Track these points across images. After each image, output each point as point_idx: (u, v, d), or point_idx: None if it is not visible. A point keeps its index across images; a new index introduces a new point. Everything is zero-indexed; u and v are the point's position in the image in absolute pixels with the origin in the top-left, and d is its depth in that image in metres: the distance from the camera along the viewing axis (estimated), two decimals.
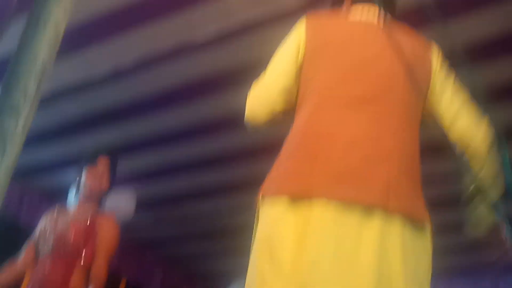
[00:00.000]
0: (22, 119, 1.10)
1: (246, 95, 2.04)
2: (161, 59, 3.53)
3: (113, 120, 4.31)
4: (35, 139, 4.39)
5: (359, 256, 1.70)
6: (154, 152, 4.65)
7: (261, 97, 2.04)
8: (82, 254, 3.21)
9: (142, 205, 5.29)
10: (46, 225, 3.33)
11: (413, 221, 1.79)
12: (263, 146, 3.70)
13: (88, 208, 3.34)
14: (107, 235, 3.32)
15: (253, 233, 1.89)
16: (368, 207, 1.74)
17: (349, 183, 1.76)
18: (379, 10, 2.12)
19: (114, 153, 3.59)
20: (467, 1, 2.99)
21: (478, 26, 3.09)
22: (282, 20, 3.05)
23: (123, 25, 3.33)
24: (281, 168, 1.88)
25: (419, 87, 2.01)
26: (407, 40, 2.07)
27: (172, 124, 4.23)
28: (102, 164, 3.43)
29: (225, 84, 3.68)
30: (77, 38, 3.29)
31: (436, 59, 2.10)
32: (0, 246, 4.23)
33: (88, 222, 3.28)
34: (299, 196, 1.76)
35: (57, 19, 1.15)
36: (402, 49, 2.00)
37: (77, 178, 3.44)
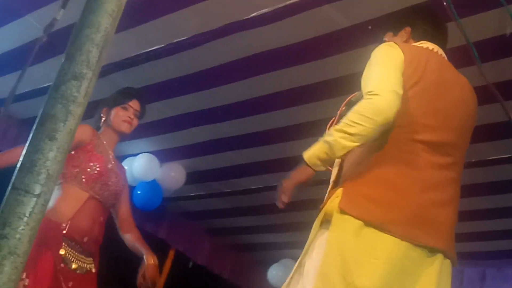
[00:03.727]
0: (85, 86, 1.14)
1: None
2: (216, 35, 3.55)
3: (167, 95, 4.36)
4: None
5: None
6: (205, 126, 4.70)
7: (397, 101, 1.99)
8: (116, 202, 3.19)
9: (192, 178, 5.38)
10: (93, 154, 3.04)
11: (453, 263, 2.08)
12: (311, 125, 3.72)
13: (112, 151, 3.18)
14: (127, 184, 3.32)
15: (314, 232, 2.05)
16: (433, 249, 1.98)
17: (419, 226, 1.95)
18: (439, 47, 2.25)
19: (145, 97, 3.39)
20: None
21: None
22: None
23: (180, 1, 3.37)
24: (363, 192, 2.00)
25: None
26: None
27: (224, 99, 4.26)
28: (133, 107, 3.26)
29: (276, 62, 3.69)
30: (134, 13, 3.34)
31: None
32: None
33: (122, 173, 3.24)
34: (375, 226, 1.93)
35: None
36: (474, 93, 2.22)
37: (102, 114, 3.24)
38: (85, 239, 2.94)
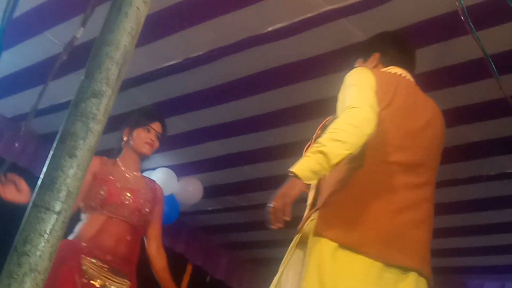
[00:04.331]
0: (104, 104, 1.15)
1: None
2: (233, 49, 3.57)
3: (184, 109, 4.38)
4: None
5: None
6: (223, 140, 4.70)
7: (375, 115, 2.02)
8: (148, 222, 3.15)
9: (209, 192, 5.38)
10: (104, 179, 3.05)
11: (429, 282, 2.08)
12: None
13: (136, 171, 3.20)
14: (162, 202, 3.31)
15: (290, 254, 2.16)
16: (407, 268, 2.00)
17: (394, 247, 1.98)
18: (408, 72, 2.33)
19: (164, 118, 3.36)
20: None
21: None
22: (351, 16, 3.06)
23: (196, 16, 3.39)
24: (338, 214, 2.04)
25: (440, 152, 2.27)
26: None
27: (240, 113, 4.27)
28: (155, 129, 3.22)
29: (292, 76, 3.70)
30: (151, 29, 3.36)
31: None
32: None
33: (149, 190, 3.20)
34: (350, 248, 1.96)
35: (138, 9, 1.20)
36: (441, 116, 2.29)
37: (123, 135, 3.22)
38: (109, 257, 2.93)
